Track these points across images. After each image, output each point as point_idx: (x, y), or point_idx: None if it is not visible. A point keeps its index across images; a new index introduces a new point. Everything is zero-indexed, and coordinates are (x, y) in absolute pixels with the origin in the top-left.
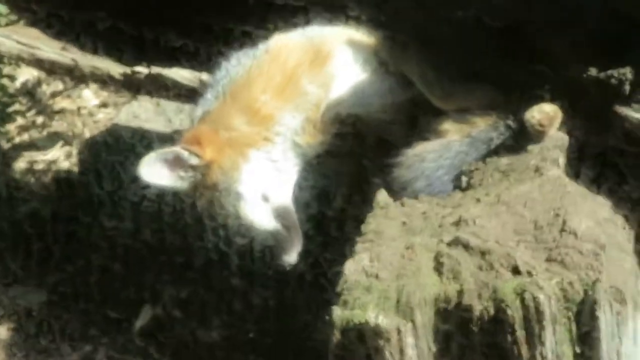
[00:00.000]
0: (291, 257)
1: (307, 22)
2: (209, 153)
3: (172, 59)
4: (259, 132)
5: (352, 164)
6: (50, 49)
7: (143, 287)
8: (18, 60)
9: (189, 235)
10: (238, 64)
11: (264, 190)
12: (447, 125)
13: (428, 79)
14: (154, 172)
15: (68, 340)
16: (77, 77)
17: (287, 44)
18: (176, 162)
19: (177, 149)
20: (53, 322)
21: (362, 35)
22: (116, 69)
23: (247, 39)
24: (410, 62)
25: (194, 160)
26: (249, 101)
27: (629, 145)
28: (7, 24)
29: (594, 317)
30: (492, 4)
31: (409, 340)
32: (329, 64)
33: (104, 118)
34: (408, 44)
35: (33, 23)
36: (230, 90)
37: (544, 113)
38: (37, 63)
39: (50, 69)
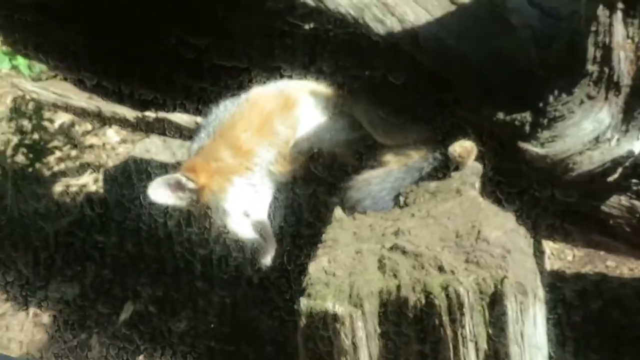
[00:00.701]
0: (267, 260)
1: (250, 80)
2: (202, 179)
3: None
4: (241, 163)
5: (315, 187)
6: (79, 98)
7: (127, 288)
8: (54, 107)
9: (162, 248)
10: (225, 110)
11: (245, 208)
12: (389, 157)
13: (373, 121)
14: (159, 193)
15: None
16: (100, 119)
17: (263, 94)
18: (177, 186)
19: (177, 175)
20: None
21: (322, 87)
22: (131, 114)
23: (204, 93)
24: (359, 109)
25: (191, 185)
26: (233, 139)
27: (530, 172)
28: (46, 79)
29: (502, 306)
30: (420, 67)
31: (359, 324)
32: (295, 109)
33: (124, 151)
34: (358, 95)
35: (66, 78)
36: (218, 130)
37: (464, 147)
38: (69, 109)
39: (79, 113)
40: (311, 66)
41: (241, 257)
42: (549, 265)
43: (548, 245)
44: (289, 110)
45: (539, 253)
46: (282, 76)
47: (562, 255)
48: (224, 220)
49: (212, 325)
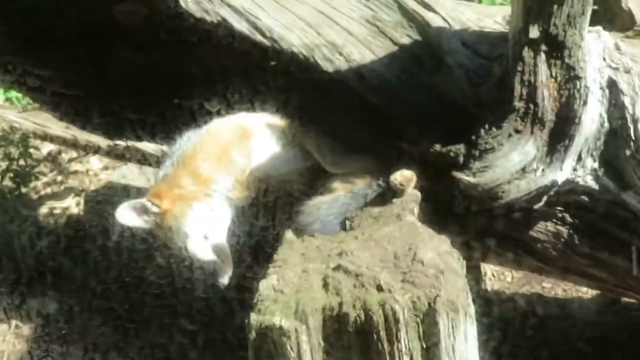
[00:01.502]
0: (224, 280)
1: (210, 113)
2: (165, 204)
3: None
4: (201, 190)
5: (268, 212)
6: (57, 127)
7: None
8: (34, 135)
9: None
10: (188, 140)
11: (205, 231)
12: (336, 184)
13: (322, 151)
14: (126, 216)
15: None
16: (76, 147)
17: (222, 126)
18: (142, 210)
19: (143, 200)
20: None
21: (277, 119)
22: (104, 142)
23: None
24: (310, 140)
25: (155, 209)
26: (194, 167)
27: (463, 199)
28: (24, 110)
29: (435, 322)
30: (365, 102)
31: (304, 337)
32: (251, 140)
33: (105, 177)
34: (309, 127)
35: (44, 109)
36: (182, 159)
37: (404, 176)
38: (48, 138)
39: (57, 142)
40: (266, 100)
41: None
42: (489, 285)
43: (489, 267)
44: (245, 140)
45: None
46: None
47: (502, 277)
48: (184, 242)
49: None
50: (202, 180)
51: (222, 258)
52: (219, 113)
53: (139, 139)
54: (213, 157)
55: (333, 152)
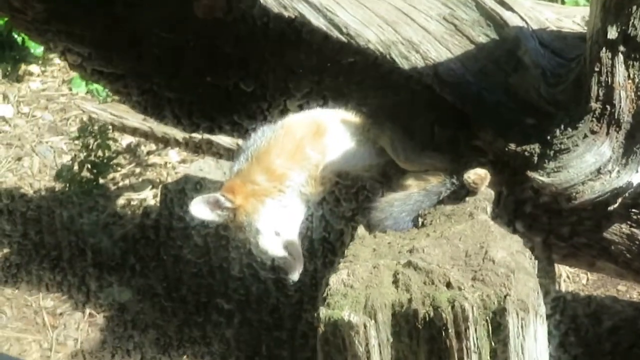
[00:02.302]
0: (294, 276)
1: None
2: (239, 200)
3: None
4: (275, 186)
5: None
6: (135, 119)
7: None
8: (112, 127)
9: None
10: (262, 135)
11: (276, 228)
12: (410, 181)
13: (396, 149)
14: (200, 209)
15: None
16: (153, 139)
17: (297, 121)
18: (215, 204)
19: (217, 195)
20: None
21: (351, 115)
22: (180, 134)
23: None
24: (384, 137)
25: (228, 204)
26: (268, 163)
27: (537, 198)
28: (104, 101)
29: (504, 321)
30: (440, 101)
31: (372, 332)
32: (325, 136)
33: (182, 170)
34: (383, 124)
35: (124, 101)
36: (255, 155)
37: (477, 175)
38: (124, 129)
39: (134, 133)
40: (341, 96)
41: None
42: (564, 287)
43: (564, 269)
44: (319, 136)
45: (546, 274)
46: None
47: (577, 279)
48: (256, 238)
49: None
50: (276, 176)
51: (293, 255)
52: (254, 93)
53: (178, 119)
54: (287, 152)
55: (407, 150)
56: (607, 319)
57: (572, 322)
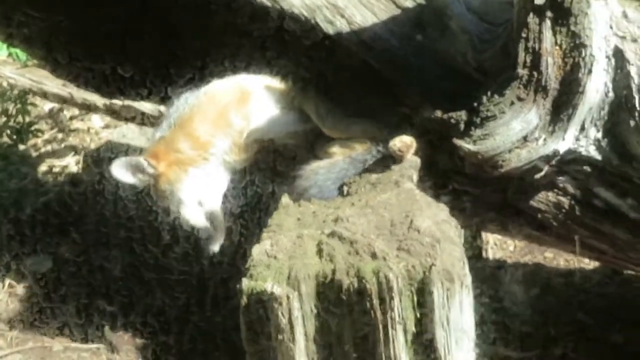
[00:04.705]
0: (215, 247)
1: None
2: (162, 167)
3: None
4: (199, 154)
5: (265, 176)
6: (54, 84)
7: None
8: (30, 92)
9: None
10: (185, 102)
11: (199, 197)
12: (334, 149)
13: (320, 115)
14: (121, 171)
15: None
16: (73, 105)
17: (220, 88)
18: (138, 168)
19: (139, 158)
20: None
21: (275, 82)
22: (101, 101)
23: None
24: (308, 103)
25: (151, 170)
26: (191, 130)
27: (462, 167)
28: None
29: (429, 292)
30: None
31: (296, 304)
32: (250, 102)
33: (106, 136)
34: (308, 91)
35: (43, 66)
36: (179, 122)
37: (403, 143)
38: (44, 95)
39: (54, 99)
40: (264, 62)
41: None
42: (491, 254)
43: (491, 236)
44: (243, 103)
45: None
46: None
47: (504, 246)
48: (178, 207)
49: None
50: (200, 144)
51: (215, 225)
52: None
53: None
54: (210, 119)
55: (332, 116)
56: (533, 286)
57: (499, 290)
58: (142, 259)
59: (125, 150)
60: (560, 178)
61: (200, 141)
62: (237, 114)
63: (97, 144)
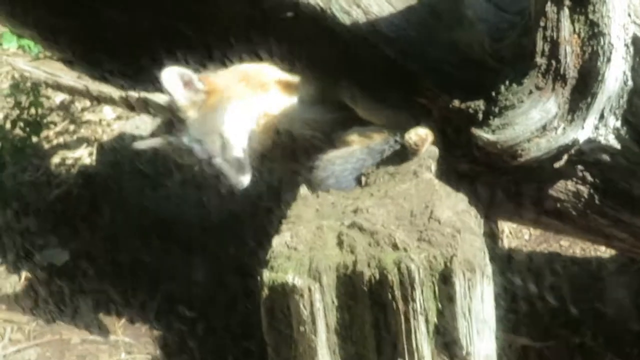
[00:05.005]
0: (246, 180)
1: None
2: (212, 86)
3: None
4: (245, 92)
5: (285, 165)
6: (69, 77)
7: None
8: (45, 85)
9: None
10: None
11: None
12: (353, 137)
13: (356, 101)
14: (171, 79)
15: None
16: (88, 98)
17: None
18: (188, 82)
19: (192, 73)
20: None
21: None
22: (116, 93)
23: None
24: (342, 90)
25: (200, 86)
26: (242, 74)
27: (482, 156)
28: (36, 58)
29: (451, 282)
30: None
31: (317, 296)
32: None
33: (118, 127)
34: (339, 82)
35: (58, 58)
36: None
37: (419, 136)
38: (59, 87)
39: (69, 92)
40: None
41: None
42: (506, 243)
43: (506, 225)
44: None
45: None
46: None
47: (519, 234)
48: (220, 130)
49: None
50: (249, 85)
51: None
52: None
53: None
54: (257, 80)
55: (367, 102)
56: (549, 275)
57: (515, 279)
58: (157, 250)
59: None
60: (580, 167)
61: (250, 82)
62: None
63: (110, 135)
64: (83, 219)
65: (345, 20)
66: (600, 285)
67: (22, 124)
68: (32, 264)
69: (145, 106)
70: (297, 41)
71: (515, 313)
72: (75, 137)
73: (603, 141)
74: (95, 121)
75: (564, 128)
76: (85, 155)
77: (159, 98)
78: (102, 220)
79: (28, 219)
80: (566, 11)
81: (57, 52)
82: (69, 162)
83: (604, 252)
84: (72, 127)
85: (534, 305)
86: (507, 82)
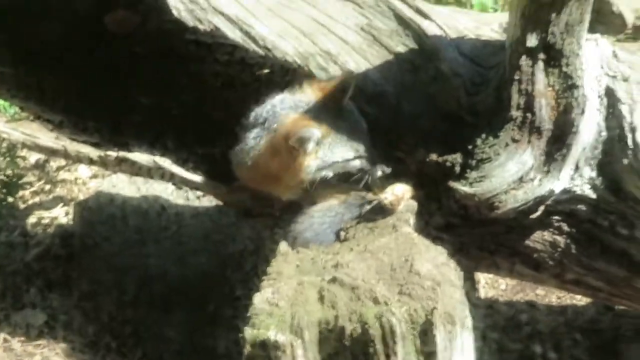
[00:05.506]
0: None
1: None
2: None
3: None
4: None
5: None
6: (47, 137)
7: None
8: (23, 146)
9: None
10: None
11: None
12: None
13: None
14: None
15: None
16: (67, 158)
17: None
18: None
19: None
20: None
21: None
22: (94, 153)
23: None
24: None
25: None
26: None
27: (459, 209)
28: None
29: (432, 335)
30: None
31: (299, 352)
32: None
33: (94, 186)
34: None
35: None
36: None
37: (395, 195)
38: (37, 148)
39: (47, 153)
40: None
41: None
42: (482, 293)
43: (483, 275)
44: None
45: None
46: None
47: (496, 284)
48: None
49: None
50: None
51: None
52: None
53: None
54: None
55: None
56: (525, 324)
57: (493, 328)
58: (136, 309)
59: (115, 199)
60: (556, 217)
61: None
62: None
63: (86, 194)
64: (61, 279)
65: (323, 76)
66: (576, 334)
67: None
68: (10, 325)
69: (123, 165)
70: None
71: None
72: (51, 196)
73: (579, 191)
74: (71, 180)
75: (540, 179)
76: (61, 215)
77: (138, 157)
78: (80, 279)
79: (4, 280)
80: (541, 65)
81: (85, 135)
82: (45, 221)
83: (580, 299)
84: (48, 187)
85: (512, 353)
86: (483, 136)
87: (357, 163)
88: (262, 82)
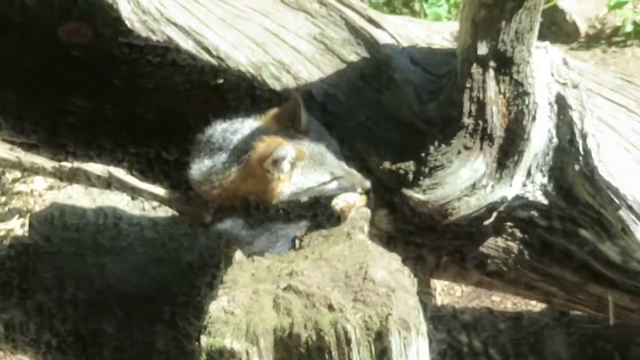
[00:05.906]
0: None
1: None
2: None
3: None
4: None
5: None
6: (1, 149)
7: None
8: None
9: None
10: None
11: None
12: None
13: None
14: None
15: None
16: (21, 169)
17: None
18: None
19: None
20: None
21: None
22: (49, 164)
23: None
24: None
25: None
26: None
27: (413, 216)
28: None
29: (387, 341)
30: None
31: (255, 359)
32: None
33: (50, 198)
34: None
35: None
36: None
37: (346, 202)
38: None
39: (0, 164)
40: None
41: None
42: (439, 300)
43: (439, 282)
44: None
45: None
46: None
47: (452, 291)
48: None
49: None
50: None
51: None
52: (177, 161)
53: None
54: None
55: None
56: (481, 330)
57: (448, 335)
58: (92, 320)
59: (71, 211)
60: (509, 223)
61: None
62: None
63: (42, 205)
64: (16, 291)
65: (276, 86)
66: (532, 340)
67: None
68: None
69: (78, 176)
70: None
71: None
72: (6, 208)
73: (531, 197)
74: (26, 192)
75: (493, 186)
76: (17, 227)
77: (94, 168)
78: (36, 291)
79: None
80: (491, 72)
81: (22, 137)
82: (0, 233)
83: (535, 305)
84: (3, 199)
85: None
86: (435, 143)
87: (333, 185)
88: (194, 85)
